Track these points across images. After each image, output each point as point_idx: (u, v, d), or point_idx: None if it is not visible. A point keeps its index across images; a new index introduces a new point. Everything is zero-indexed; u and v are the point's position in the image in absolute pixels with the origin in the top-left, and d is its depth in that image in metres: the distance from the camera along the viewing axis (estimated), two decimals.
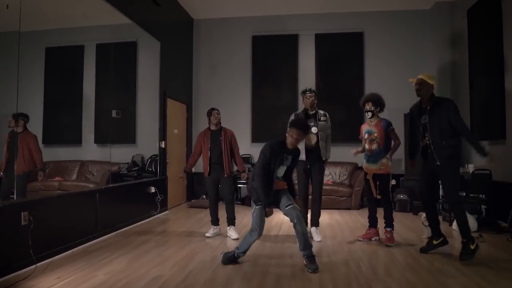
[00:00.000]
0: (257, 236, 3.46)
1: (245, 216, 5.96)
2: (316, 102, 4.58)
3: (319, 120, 4.50)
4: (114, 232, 4.76)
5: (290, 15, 7.95)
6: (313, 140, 4.43)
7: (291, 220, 3.43)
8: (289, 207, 3.43)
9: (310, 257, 3.36)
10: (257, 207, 3.42)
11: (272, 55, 8.01)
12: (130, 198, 5.39)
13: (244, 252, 3.55)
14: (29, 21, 4.55)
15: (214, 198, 4.75)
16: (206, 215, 4.98)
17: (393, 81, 7.48)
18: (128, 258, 3.69)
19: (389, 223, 4.29)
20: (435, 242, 3.85)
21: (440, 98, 3.81)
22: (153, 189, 5.96)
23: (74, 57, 5.34)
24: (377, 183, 4.37)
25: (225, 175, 4.63)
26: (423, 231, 4.55)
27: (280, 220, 5.49)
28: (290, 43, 7.97)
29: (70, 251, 3.90)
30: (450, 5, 7.09)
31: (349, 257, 3.77)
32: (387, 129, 4.33)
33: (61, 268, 3.38)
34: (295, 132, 3.40)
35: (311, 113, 4.55)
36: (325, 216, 5.90)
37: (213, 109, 4.78)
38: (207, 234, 4.67)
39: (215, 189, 4.73)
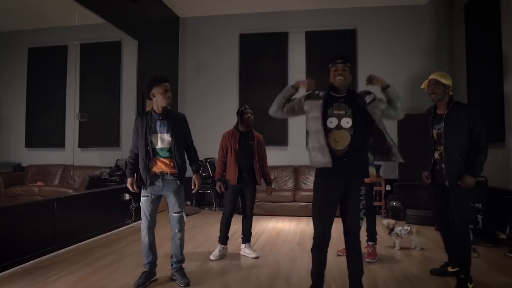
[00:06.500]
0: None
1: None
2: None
3: None
4: (76, 245, 4.42)
5: (279, 12, 7.57)
6: None
7: (174, 229, 3.14)
8: (177, 215, 3.12)
9: (181, 270, 3.20)
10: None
11: (260, 54, 7.64)
12: (100, 207, 5.05)
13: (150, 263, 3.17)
14: (10, 21, 4.31)
15: (231, 213, 4.05)
16: None
17: (387, 81, 7.07)
18: (76, 276, 3.35)
19: (371, 236, 3.91)
20: (450, 270, 3.30)
21: (461, 104, 3.16)
22: (127, 196, 5.62)
23: (58, 57, 5.14)
24: None
25: (255, 185, 4.07)
26: (394, 242, 4.27)
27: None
28: (279, 41, 7.59)
29: (19, 267, 3.57)
30: (447, 0, 6.67)
31: None
32: None
33: None
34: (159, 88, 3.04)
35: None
36: (303, 224, 5.48)
37: (246, 107, 4.21)
38: (211, 257, 3.93)
39: (234, 202, 4.06)
